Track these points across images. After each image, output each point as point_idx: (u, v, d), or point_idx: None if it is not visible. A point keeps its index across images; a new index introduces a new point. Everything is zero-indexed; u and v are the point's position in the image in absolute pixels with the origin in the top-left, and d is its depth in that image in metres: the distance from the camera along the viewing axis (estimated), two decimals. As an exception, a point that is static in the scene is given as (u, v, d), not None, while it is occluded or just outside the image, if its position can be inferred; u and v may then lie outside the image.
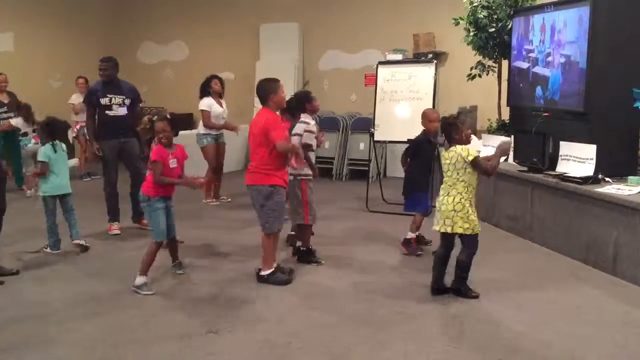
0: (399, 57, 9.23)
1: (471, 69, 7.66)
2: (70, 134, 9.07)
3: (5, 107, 8.38)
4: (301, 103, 5.50)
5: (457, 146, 4.29)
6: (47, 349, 3.64)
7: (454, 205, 4.26)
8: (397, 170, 10.13)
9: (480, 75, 7.60)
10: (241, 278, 4.94)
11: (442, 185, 4.41)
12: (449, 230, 4.32)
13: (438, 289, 4.48)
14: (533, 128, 6.08)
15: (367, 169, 8.69)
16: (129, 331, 3.86)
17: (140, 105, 12.01)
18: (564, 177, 5.58)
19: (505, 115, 7.54)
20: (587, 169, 5.48)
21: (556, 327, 3.97)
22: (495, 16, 6.94)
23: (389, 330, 3.89)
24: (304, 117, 5.38)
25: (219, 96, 7.82)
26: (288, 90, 10.52)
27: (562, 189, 5.54)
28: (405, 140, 7.43)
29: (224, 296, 4.54)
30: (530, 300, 4.45)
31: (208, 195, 7.99)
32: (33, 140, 7.82)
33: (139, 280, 4.53)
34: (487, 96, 8.65)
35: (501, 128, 7.34)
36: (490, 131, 7.44)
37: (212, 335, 3.83)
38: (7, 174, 4.84)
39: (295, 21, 10.91)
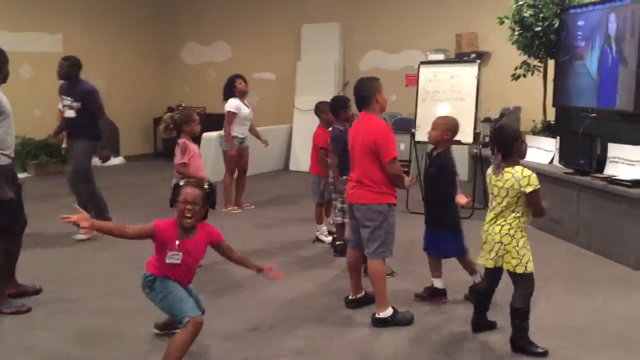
0: (441, 57, 9.16)
1: (515, 68, 7.51)
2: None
3: None
4: (337, 109, 5.40)
5: (517, 168, 3.51)
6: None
7: (501, 237, 3.52)
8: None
9: (524, 75, 7.45)
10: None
11: (489, 212, 3.66)
12: (493, 265, 3.60)
13: (478, 325, 3.85)
14: (580, 129, 5.92)
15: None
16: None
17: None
18: (612, 180, 5.41)
19: (551, 116, 7.38)
20: (637, 172, 5.31)
21: (605, 333, 3.86)
22: (542, 15, 6.78)
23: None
24: (339, 124, 5.30)
25: (243, 96, 7.48)
26: (328, 91, 10.65)
27: (611, 192, 5.38)
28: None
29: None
30: (577, 305, 4.34)
31: (228, 202, 7.47)
32: None
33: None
34: (531, 97, 8.48)
35: (546, 129, 7.18)
36: (535, 132, 7.28)
37: None
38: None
39: (337, 21, 10.91)
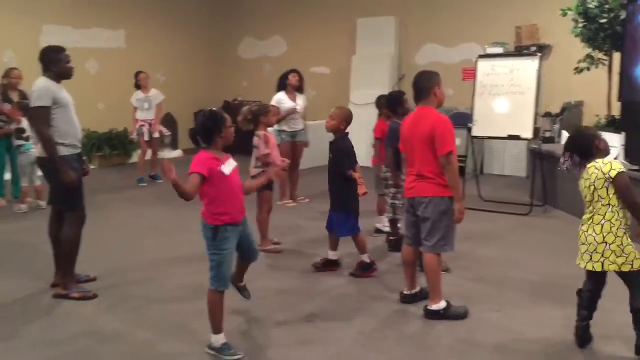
0: (500, 50, 8.92)
1: (579, 62, 7.27)
2: (130, 136, 8.89)
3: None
4: (394, 104, 5.39)
5: (597, 159, 3.36)
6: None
7: (603, 237, 3.30)
8: (494, 166, 9.86)
9: (588, 69, 7.21)
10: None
11: (585, 215, 3.44)
12: (597, 267, 3.35)
13: (583, 340, 3.56)
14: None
15: (463, 165, 8.51)
16: None
17: (238, 99, 12.62)
18: (681, 178, 5.19)
19: (616, 111, 7.12)
20: None
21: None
22: (607, 6, 6.55)
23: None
24: (397, 118, 5.24)
25: (296, 90, 7.51)
26: (383, 85, 10.60)
27: (679, 191, 5.15)
28: (506, 135, 7.25)
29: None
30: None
31: (283, 196, 7.55)
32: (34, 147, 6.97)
33: (217, 340, 3.46)
34: (594, 90, 8.20)
35: (610, 124, 6.94)
36: (599, 127, 7.03)
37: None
38: (86, 173, 4.58)
39: (393, 15, 10.82)
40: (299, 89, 7.57)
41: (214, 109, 3.57)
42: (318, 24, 11.86)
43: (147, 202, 7.65)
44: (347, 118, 4.79)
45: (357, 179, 4.66)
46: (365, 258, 4.85)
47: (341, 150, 4.74)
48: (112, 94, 10.28)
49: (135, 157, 10.44)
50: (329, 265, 4.95)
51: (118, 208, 7.14)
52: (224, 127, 3.41)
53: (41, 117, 4.17)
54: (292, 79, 7.46)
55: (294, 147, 7.49)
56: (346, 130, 4.80)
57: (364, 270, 4.83)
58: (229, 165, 3.41)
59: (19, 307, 4.20)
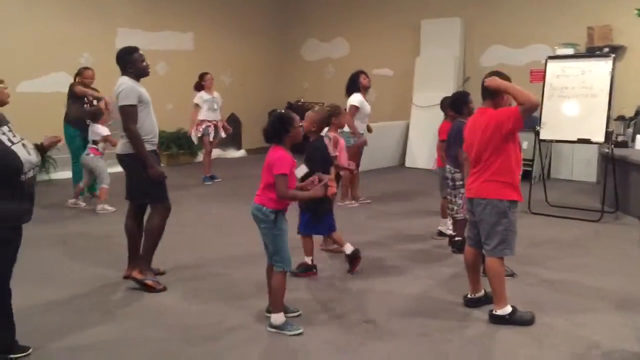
0: (570, 51, 8.71)
1: (656, 63, 6.98)
2: (194, 134, 8.93)
3: (87, 106, 7.37)
4: (459, 105, 5.33)
5: None
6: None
7: None
8: (562, 171, 9.57)
9: (666, 71, 6.90)
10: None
11: None
12: None
13: None
14: None
15: (530, 169, 8.31)
16: None
17: (301, 101, 12.74)
18: None
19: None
20: None
21: None
22: (689, 4, 6.25)
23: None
24: (463, 119, 5.15)
25: (366, 91, 7.47)
26: (447, 87, 10.47)
27: None
28: (576, 139, 7.02)
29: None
30: None
31: (345, 196, 7.50)
32: (92, 154, 7.03)
33: (278, 318, 3.76)
34: (673, 93, 7.88)
35: (690, 129, 6.61)
36: (677, 132, 6.73)
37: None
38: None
39: (458, 16, 10.68)
40: (368, 89, 7.55)
41: (284, 110, 3.75)
42: (381, 25, 11.84)
43: (212, 199, 7.86)
44: (322, 121, 4.81)
45: (328, 180, 4.53)
46: (347, 249, 4.89)
47: (315, 153, 4.76)
48: (180, 95, 10.58)
49: (201, 157, 10.73)
50: (307, 271, 4.86)
51: (187, 205, 7.34)
52: (293, 127, 3.65)
53: (130, 115, 4.38)
54: (364, 80, 7.43)
55: (356, 148, 7.42)
56: (321, 133, 4.85)
57: (302, 271, 4.82)
58: (300, 170, 3.71)
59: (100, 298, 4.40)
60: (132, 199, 4.67)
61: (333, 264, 5.16)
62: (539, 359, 3.48)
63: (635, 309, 4.05)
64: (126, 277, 4.62)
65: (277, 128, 3.64)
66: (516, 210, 3.94)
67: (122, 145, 4.51)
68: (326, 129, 5.32)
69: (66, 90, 7.56)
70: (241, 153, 12.26)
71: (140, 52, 4.60)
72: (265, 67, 12.97)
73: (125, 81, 4.45)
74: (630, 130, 8.07)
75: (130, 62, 4.50)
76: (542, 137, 7.21)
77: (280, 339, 3.68)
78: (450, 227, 6.01)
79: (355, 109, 7.27)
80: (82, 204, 7.25)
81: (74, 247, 5.60)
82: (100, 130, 7.01)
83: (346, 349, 3.59)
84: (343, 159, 5.25)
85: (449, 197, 5.58)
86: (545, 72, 7.27)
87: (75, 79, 7.50)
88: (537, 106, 3.78)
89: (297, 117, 3.70)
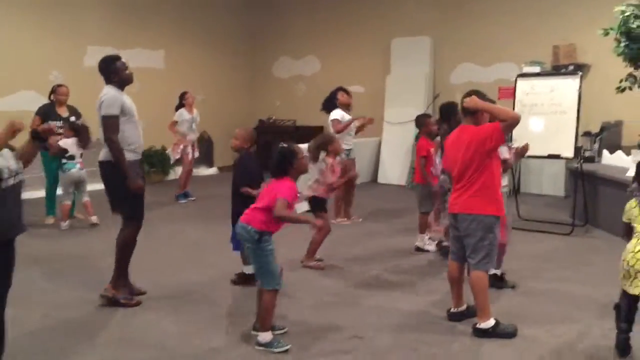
0: (537, 69, 8.94)
1: (620, 81, 7.21)
2: (172, 153, 9.05)
3: (60, 122, 7.15)
4: (448, 113, 5.45)
5: None
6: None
7: None
8: (532, 186, 9.78)
9: (630, 88, 7.14)
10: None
11: (633, 241, 3.51)
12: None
13: (623, 350, 3.63)
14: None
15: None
16: None
17: (272, 118, 12.75)
18: None
19: (659, 130, 7.05)
20: None
21: None
22: (650, 25, 6.51)
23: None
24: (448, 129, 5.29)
25: (346, 109, 7.42)
26: (418, 104, 10.64)
27: None
28: (546, 155, 7.20)
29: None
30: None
31: (338, 214, 7.47)
32: (78, 166, 7.03)
33: (265, 337, 3.76)
34: (635, 110, 8.14)
35: (654, 144, 6.86)
36: (641, 147, 6.97)
37: None
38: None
39: (427, 35, 10.91)
40: (349, 106, 7.49)
41: (286, 145, 3.85)
42: (352, 44, 11.99)
43: (186, 218, 7.78)
44: (250, 138, 4.98)
45: (256, 196, 4.60)
46: (248, 269, 4.89)
47: (241, 168, 4.92)
48: (151, 113, 10.47)
49: (172, 175, 10.63)
50: (246, 280, 4.92)
51: (161, 224, 7.24)
52: (297, 160, 3.78)
53: (111, 125, 4.34)
54: (341, 97, 7.40)
55: (350, 164, 7.27)
56: (250, 150, 4.99)
57: (244, 280, 4.92)
58: (300, 205, 3.79)
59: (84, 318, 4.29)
60: (112, 209, 4.59)
61: (319, 280, 5.16)
62: (524, 371, 3.54)
63: (613, 316, 4.15)
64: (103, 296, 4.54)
65: (282, 163, 3.76)
66: (499, 224, 4.01)
67: (104, 153, 4.45)
68: (323, 154, 5.49)
69: (34, 108, 7.34)
70: (213, 171, 12.18)
71: (123, 60, 4.58)
72: (236, 85, 12.97)
73: (109, 91, 4.42)
74: (596, 145, 8.31)
75: (113, 71, 4.47)
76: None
77: (267, 357, 3.65)
78: (427, 242, 6.11)
79: (337, 122, 7.23)
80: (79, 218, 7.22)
81: (48, 267, 5.45)
82: (68, 142, 7.00)
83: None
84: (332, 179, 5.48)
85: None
86: (515, 89, 7.47)
87: (50, 97, 7.36)
88: (518, 121, 3.85)
89: (300, 149, 3.83)
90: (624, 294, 3.56)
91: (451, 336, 4.03)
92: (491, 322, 3.98)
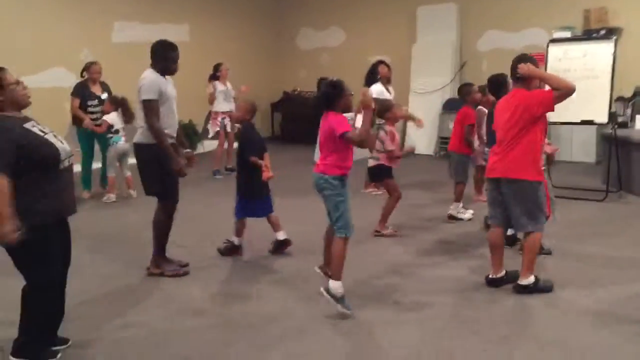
0: (567, 34, 8.81)
1: (657, 44, 7.10)
2: (212, 127, 8.92)
3: (97, 101, 7.35)
4: (498, 87, 5.29)
5: None
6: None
7: None
8: (562, 153, 9.67)
9: (668, 50, 7.02)
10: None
11: None
12: None
13: None
14: None
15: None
16: None
17: (297, 90, 12.73)
18: None
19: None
20: None
21: None
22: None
23: None
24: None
25: (387, 82, 7.33)
26: (445, 73, 10.55)
27: None
28: (579, 121, 7.13)
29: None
30: None
31: (368, 185, 7.41)
32: (123, 139, 7.16)
33: (336, 287, 3.79)
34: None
35: (691, 108, 6.76)
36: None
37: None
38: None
39: (453, 2, 10.74)
40: (389, 79, 7.44)
41: (335, 78, 3.90)
42: (377, 13, 11.87)
43: (221, 193, 7.86)
44: (251, 110, 5.09)
45: (262, 165, 4.88)
46: (280, 235, 5.07)
47: (246, 140, 5.03)
48: (179, 87, 10.51)
49: (200, 149, 10.72)
50: (234, 251, 5.07)
51: (193, 200, 7.32)
52: (343, 94, 3.80)
53: (150, 109, 4.38)
54: (382, 70, 7.31)
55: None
56: (252, 121, 5.10)
57: (278, 247, 5.09)
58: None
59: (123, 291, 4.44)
60: (146, 191, 4.67)
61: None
62: (569, 323, 3.60)
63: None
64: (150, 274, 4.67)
65: (330, 94, 3.78)
66: (542, 188, 4.06)
67: (140, 135, 4.51)
68: (382, 122, 5.55)
69: (65, 85, 7.46)
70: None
71: (178, 52, 4.59)
72: (260, 57, 12.95)
73: (148, 75, 4.45)
74: (629, 110, 8.20)
75: (163, 58, 4.48)
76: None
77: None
78: (461, 211, 6.15)
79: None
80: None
81: (94, 240, 5.59)
82: (111, 116, 7.13)
83: (381, 328, 3.69)
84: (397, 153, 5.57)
85: None
86: (546, 55, 7.37)
87: (82, 75, 7.43)
88: (573, 91, 3.86)
89: (346, 86, 3.85)
90: None
91: (493, 302, 4.09)
92: (532, 279, 4.11)
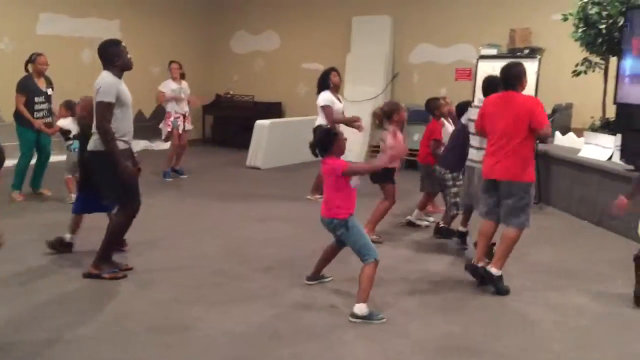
0: (494, 51, 9.20)
1: (576, 65, 7.53)
2: (164, 127, 8.58)
3: (43, 97, 6.90)
4: (492, 89, 5.28)
5: None
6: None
7: None
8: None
9: (585, 72, 7.47)
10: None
11: None
12: None
13: None
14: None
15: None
16: None
17: (230, 93, 12.62)
18: (678, 178, 5.45)
19: (610, 113, 7.41)
20: None
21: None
22: (606, 12, 6.81)
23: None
24: (480, 102, 5.23)
25: (336, 90, 7.31)
26: (377, 83, 10.76)
27: (676, 190, 5.42)
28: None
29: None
30: None
31: (315, 191, 7.33)
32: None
33: (362, 308, 3.89)
34: (586, 93, 8.50)
35: (605, 126, 7.21)
36: (594, 129, 7.32)
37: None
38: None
39: (388, 14, 10.98)
40: (339, 88, 7.44)
41: (328, 126, 4.20)
42: (313, 20, 11.95)
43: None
44: (90, 106, 4.94)
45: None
46: (69, 238, 5.00)
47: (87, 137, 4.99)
48: (107, 85, 10.22)
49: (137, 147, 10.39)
50: (65, 246, 5.01)
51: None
52: (337, 141, 4.02)
53: (105, 112, 4.25)
54: (334, 78, 7.29)
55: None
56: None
57: (54, 245, 4.98)
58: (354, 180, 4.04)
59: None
60: (106, 199, 4.59)
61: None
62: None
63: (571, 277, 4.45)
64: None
65: (325, 142, 4.00)
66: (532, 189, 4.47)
67: (93, 142, 4.36)
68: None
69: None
70: (169, 145, 11.95)
71: (124, 44, 4.46)
72: (194, 59, 12.71)
73: (107, 77, 4.32)
74: (549, 126, 8.65)
75: (116, 55, 4.35)
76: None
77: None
78: (421, 219, 6.45)
79: (329, 108, 7.10)
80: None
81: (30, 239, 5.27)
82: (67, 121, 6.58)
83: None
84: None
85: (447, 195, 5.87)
86: (476, 70, 7.68)
87: (26, 67, 6.88)
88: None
89: (340, 132, 4.16)
90: None
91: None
92: (499, 273, 4.44)
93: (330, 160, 4.00)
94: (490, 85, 5.56)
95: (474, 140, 5.33)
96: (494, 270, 4.41)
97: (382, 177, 5.62)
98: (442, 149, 6.17)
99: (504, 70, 4.48)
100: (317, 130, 4.26)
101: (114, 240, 4.53)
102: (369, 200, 5.58)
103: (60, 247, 4.98)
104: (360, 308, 3.87)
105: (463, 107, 5.83)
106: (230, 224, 6.26)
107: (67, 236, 5.01)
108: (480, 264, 4.57)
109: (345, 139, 4.06)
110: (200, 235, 5.75)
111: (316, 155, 4.08)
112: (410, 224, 6.36)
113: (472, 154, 5.38)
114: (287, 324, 3.82)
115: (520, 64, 4.57)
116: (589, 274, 5.01)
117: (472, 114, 5.31)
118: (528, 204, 4.40)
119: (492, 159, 4.42)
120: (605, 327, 3.98)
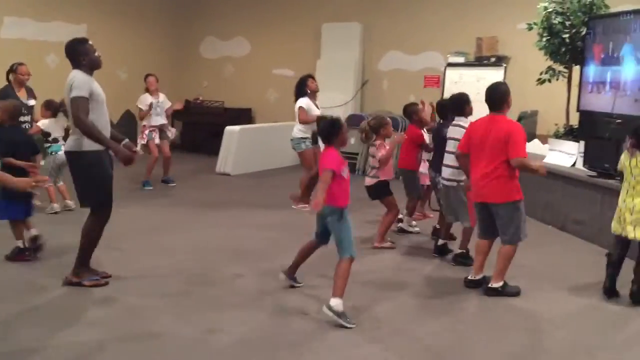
0: (461, 59, 9.37)
1: (541, 73, 7.71)
2: (139, 140, 8.47)
3: (24, 109, 6.58)
4: (458, 105, 5.44)
5: None
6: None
7: None
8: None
9: (549, 80, 7.65)
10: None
11: (624, 189, 4.48)
12: (631, 235, 4.40)
13: (611, 290, 4.58)
14: (607, 134, 6.13)
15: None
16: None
17: (199, 99, 12.53)
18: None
19: (573, 120, 7.59)
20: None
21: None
22: (569, 22, 7.00)
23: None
24: (459, 120, 5.33)
25: (313, 96, 7.44)
26: (347, 90, 10.82)
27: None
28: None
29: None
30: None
31: (300, 200, 7.30)
32: (63, 148, 6.46)
33: (338, 304, 3.92)
34: (550, 101, 8.69)
35: (568, 133, 7.39)
36: (558, 136, 7.49)
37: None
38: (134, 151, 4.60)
39: (358, 21, 11.07)
40: (316, 94, 7.51)
41: (334, 117, 4.21)
42: (283, 26, 11.98)
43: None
44: (9, 111, 5.14)
45: (26, 167, 4.80)
46: (20, 244, 5.02)
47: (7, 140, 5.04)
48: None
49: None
50: (20, 254, 5.02)
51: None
52: (341, 132, 4.07)
53: (81, 106, 4.20)
54: (311, 84, 7.39)
55: (315, 152, 7.18)
56: (14, 123, 5.20)
57: (16, 254, 5.00)
58: (345, 171, 4.08)
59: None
60: (81, 202, 4.49)
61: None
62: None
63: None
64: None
65: (328, 131, 4.07)
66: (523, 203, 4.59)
67: (72, 142, 4.31)
68: (301, 133, 5.97)
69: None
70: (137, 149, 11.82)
71: (90, 42, 4.44)
72: (162, 64, 12.60)
73: (77, 74, 4.28)
74: (515, 133, 8.81)
75: (83, 53, 4.33)
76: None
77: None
78: (413, 224, 6.51)
79: (303, 110, 7.21)
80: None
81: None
82: (47, 123, 6.48)
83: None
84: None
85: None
86: (444, 78, 7.80)
87: (7, 77, 6.70)
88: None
89: (344, 124, 4.18)
90: (616, 239, 4.49)
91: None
92: (501, 283, 4.61)
93: (328, 152, 4.07)
94: (458, 102, 5.62)
95: (448, 159, 5.28)
96: (495, 285, 4.60)
97: (380, 192, 5.71)
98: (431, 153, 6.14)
99: (489, 91, 4.60)
100: (322, 120, 4.35)
101: (89, 247, 4.47)
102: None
103: (19, 255, 4.91)
104: (337, 303, 3.91)
105: (444, 106, 5.88)
106: (203, 231, 6.23)
107: (19, 243, 4.96)
108: (478, 277, 4.78)
109: (347, 132, 4.17)
110: (171, 243, 5.71)
111: (316, 143, 4.07)
112: (402, 231, 6.42)
113: (446, 172, 5.32)
114: (259, 332, 3.82)
115: (504, 84, 4.75)
116: (557, 276, 5.16)
117: (453, 132, 5.26)
118: (520, 219, 4.53)
119: (480, 182, 4.53)
120: (580, 321, 4.23)
